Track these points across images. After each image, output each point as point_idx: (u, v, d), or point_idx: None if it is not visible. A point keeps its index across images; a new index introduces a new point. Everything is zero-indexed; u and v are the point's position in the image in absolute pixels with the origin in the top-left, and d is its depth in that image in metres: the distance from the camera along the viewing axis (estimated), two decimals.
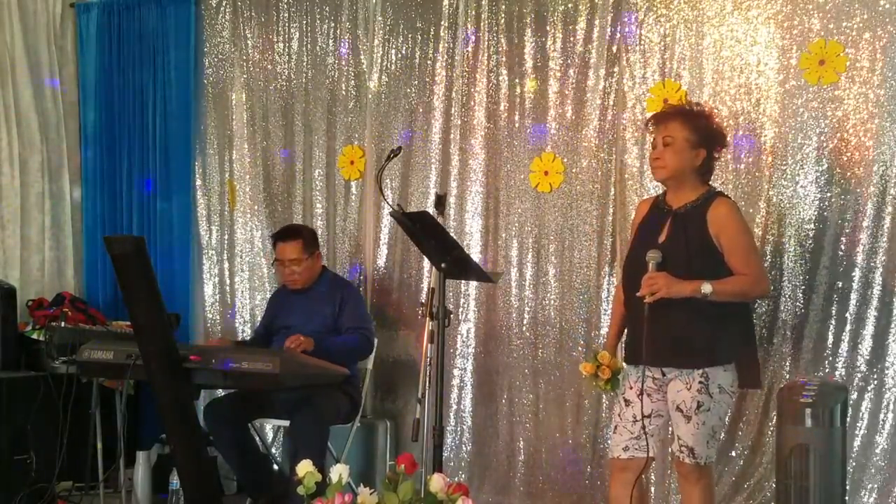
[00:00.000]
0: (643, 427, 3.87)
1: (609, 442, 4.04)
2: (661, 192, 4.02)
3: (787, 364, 4.57)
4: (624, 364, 4.00)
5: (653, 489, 4.79)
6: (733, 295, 3.74)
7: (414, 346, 5.43)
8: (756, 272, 3.80)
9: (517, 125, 5.26)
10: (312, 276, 5.23)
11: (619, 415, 3.96)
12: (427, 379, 3.96)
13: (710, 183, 3.97)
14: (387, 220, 5.64)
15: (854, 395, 4.36)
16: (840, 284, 4.46)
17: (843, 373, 4.43)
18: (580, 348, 5.03)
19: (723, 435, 4.59)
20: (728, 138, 4.25)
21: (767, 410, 4.56)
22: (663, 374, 3.85)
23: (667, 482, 4.78)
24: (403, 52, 5.60)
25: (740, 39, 4.69)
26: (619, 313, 4.08)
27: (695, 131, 3.83)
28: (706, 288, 3.66)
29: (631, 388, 3.92)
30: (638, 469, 3.91)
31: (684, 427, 3.76)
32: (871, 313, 4.40)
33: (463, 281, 5.27)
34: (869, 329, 4.40)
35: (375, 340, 5.27)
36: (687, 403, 3.75)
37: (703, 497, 3.84)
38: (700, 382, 3.74)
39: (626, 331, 4.04)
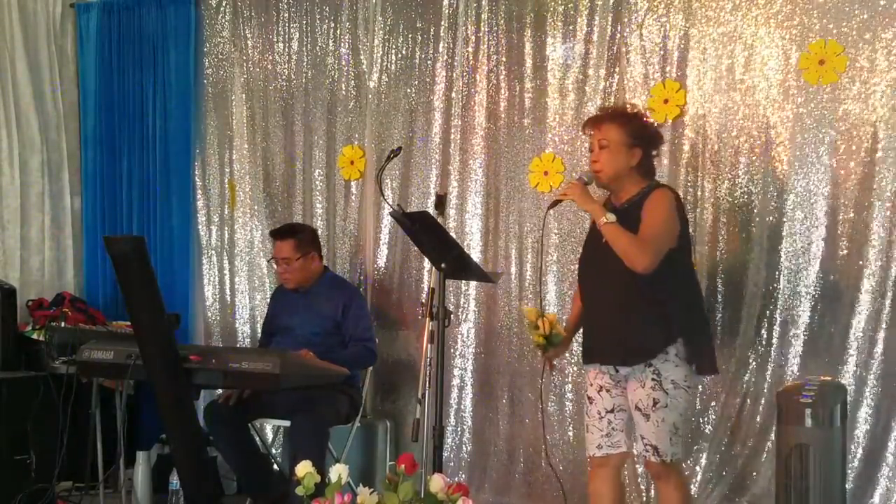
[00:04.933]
0: (609, 423, 3.91)
1: (585, 441, 4.06)
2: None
3: (787, 364, 4.57)
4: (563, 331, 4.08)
5: (650, 489, 4.79)
6: (621, 244, 3.72)
7: (414, 346, 5.43)
8: (649, 246, 3.74)
9: (517, 125, 5.26)
10: (307, 277, 5.22)
11: (587, 414, 4.00)
12: (427, 379, 3.96)
13: (657, 178, 4.04)
14: (387, 220, 5.63)
15: (854, 396, 4.36)
16: (840, 284, 4.46)
17: (844, 372, 4.43)
18: (580, 347, 5.02)
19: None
20: (666, 136, 4.43)
21: (767, 410, 4.55)
22: (617, 371, 3.89)
23: None
24: (403, 52, 5.60)
25: (740, 39, 4.69)
26: (577, 308, 4.15)
27: (629, 133, 3.88)
28: (610, 217, 3.74)
29: (591, 385, 3.97)
30: (616, 464, 3.94)
31: (645, 426, 3.79)
32: (871, 313, 4.40)
33: (463, 281, 5.27)
34: (869, 329, 4.40)
35: (377, 350, 5.26)
36: (644, 402, 3.78)
37: (678, 495, 3.86)
38: (653, 379, 3.76)
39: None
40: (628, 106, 4.19)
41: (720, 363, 4.69)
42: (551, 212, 5.06)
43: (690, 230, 4.74)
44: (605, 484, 3.96)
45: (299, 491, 3.01)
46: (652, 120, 4.12)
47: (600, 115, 4.01)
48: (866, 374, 4.40)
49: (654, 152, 3.98)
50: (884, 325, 4.37)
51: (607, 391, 3.92)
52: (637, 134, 3.90)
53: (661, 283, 3.76)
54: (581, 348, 4.09)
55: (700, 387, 4.75)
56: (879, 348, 4.38)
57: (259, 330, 5.78)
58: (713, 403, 4.74)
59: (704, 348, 3.93)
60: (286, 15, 5.93)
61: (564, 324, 4.23)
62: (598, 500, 3.99)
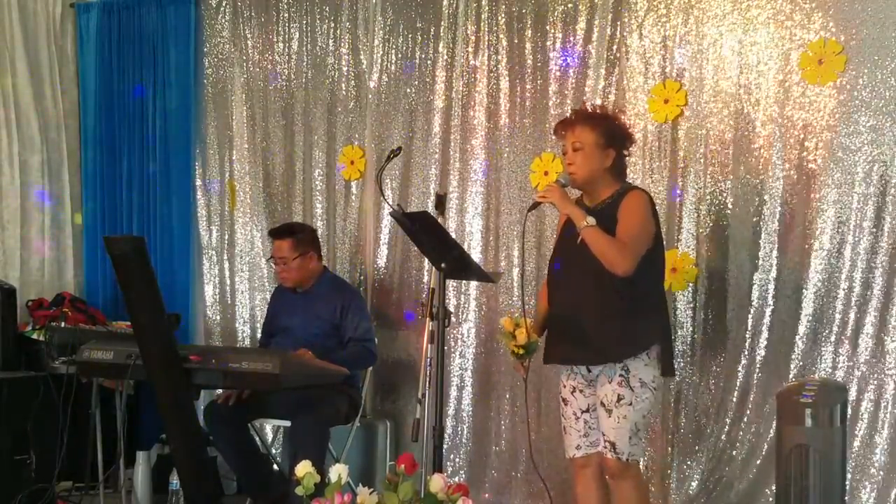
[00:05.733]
0: (586, 422, 3.92)
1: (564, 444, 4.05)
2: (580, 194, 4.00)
3: (787, 364, 4.57)
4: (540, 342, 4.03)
5: None
6: (601, 247, 3.72)
7: (414, 346, 5.43)
8: (629, 250, 3.74)
9: (517, 125, 5.26)
10: (305, 277, 5.21)
11: (563, 416, 4.01)
12: (427, 379, 3.96)
13: (629, 180, 4.04)
14: (387, 220, 5.64)
15: (854, 395, 4.36)
16: (840, 284, 4.46)
17: (843, 373, 4.43)
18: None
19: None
20: (637, 135, 4.49)
21: (767, 410, 4.55)
22: (589, 371, 3.89)
23: None
24: (403, 52, 5.60)
25: (740, 39, 4.69)
26: (543, 309, 4.11)
27: (602, 134, 3.88)
28: (590, 220, 3.73)
29: (564, 386, 3.98)
30: (597, 462, 3.94)
31: (606, 421, 3.80)
32: (872, 313, 4.40)
33: (463, 281, 5.27)
34: (869, 329, 4.41)
35: (377, 351, 5.25)
36: (608, 397, 3.79)
37: (634, 496, 3.86)
38: (621, 375, 3.78)
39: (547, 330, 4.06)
40: (598, 107, 4.20)
41: (721, 363, 4.72)
42: (549, 209, 5.12)
43: (691, 230, 4.78)
44: (591, 484, 3.97)
45: (299, 491, 3.01)
46: (623, 120, 4.09)
47: (573, 118, 4.00)
48: (867, 373, 4.40)
49: (626, 152, 3.99)
50: (888, 325, 4.37)
51: (580, 391, 3.93)
52: (610, 135, 3.91)
53: (639, 283, 3.77)
54: (550, 349, 4.02)
55: (702, 386, 4.76)
56: (880, 348, 4.38)
57: (259, 330, 5.78)
58: (713, 403, 4.74)
59: (670, 349, 3.96)
60: (286, 15, 5.94)
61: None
62: (584, 500, 4.00)
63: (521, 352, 3.97)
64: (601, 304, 3.80)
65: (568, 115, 4.23)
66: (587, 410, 3.92)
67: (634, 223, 3.79)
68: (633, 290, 3.77)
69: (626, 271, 3.73)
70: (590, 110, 4.08)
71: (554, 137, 5.05)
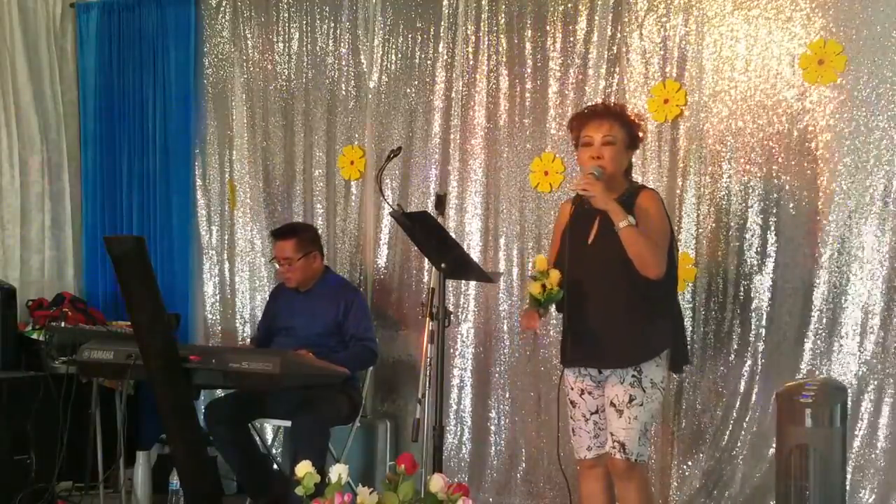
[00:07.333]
0: (595, 423, 3.92)
1: (573, 445, 4.04)
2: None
3: (787, 364, 4.57)
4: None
5: None
6: (639, 248, 3.67)
7: (414, 346, 5.43)
8: (662, 252, 3.74)
9: (517, 125, 5.26)
10: (308, 277, 5.21)
11: (571, 418, 4.00)
12: (427, 379, 3.96)
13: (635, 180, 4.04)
14: (387, 220, 5.63)
15: (854, 395, 4.36)
16: (840, 284, 4.46)
17: (843, 373, 4.43)
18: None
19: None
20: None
21: (767, 411, 4.55)
22: (600, 372, 3.87)
23: None
24: (403, 52, 5.60)
25: (740, 39, 4.69)
26: None
27: (629, 135, 3.88)
28: (631, 219, 3.68)
29: (572, 388, 3.96)
30: (605, 464, 3.93)
31: (617, 422, 3.79)
32: (873, 313, 4.40)
33: (463, 281, 5.27)
34: (869, 329, 4.41)
35: (378, 350, 5.24)
36: (620, 398, 3.78)
37: (639, 497, 3.85)
38: (633, 376, 3.77)
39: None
40: (619, 105, 4.16)
41: (722, 363, 4.72)
42: (549, 209, 5.12)
43: (691, 230, 4.79)
44: (598, 483, 3.97)
45: (299, 491, 3.01)
46: (641, 125, 4.05)
47: (603, 111, 3.92)
48: (867, 373, 4.40)
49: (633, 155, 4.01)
50: (889, 325, 4.38)
51: (589, 393, 3.92)
52: (635, 137, 3.91)
53: (656, 285, 3.75)
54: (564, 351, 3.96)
55: (702, 386, 4.76)
56: (881, 348, 4.39)
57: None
58: (713, 403, 4.74)
59: (684, 346, 3.96)
60: (286, 15, 5.93)
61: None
62: (591, 500, 4.00)
63: (543, 298, 3.83)
64: (618, 308, 3.77)
65: (589, 107, 4.11)
66: (595, 412, 3.92)
67: (657, 223, 3.77)
68: (649, 293, 3.75)
69: (659, 274, 3.71)
70: (622, 108, 4.03)
71: (554, 137, 5.13)
